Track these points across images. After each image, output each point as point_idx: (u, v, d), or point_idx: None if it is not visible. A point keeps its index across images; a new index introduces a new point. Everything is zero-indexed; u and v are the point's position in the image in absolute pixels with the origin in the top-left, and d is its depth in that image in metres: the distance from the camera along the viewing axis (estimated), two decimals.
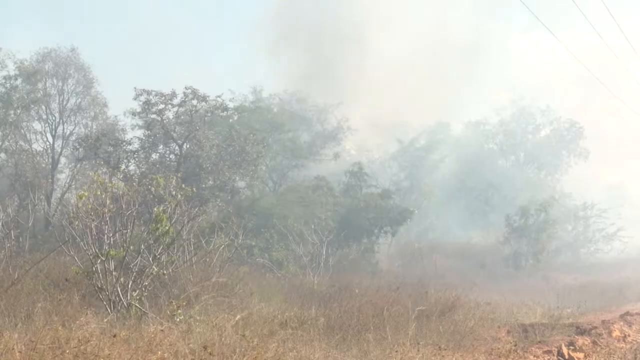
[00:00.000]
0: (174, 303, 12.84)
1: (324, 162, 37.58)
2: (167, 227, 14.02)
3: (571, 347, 13.85)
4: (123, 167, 26.20)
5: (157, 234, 13.96)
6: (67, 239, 13.99)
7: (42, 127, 28.28)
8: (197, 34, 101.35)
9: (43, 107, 28.01)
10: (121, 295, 12.97)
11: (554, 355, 13.34)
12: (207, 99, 27.73)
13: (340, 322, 13.53)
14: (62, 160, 29.47)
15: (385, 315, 14.10)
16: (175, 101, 27.25)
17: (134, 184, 15.70)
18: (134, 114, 27.02)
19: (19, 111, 27.42)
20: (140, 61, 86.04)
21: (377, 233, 30.49)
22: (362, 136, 47.64)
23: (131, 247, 13.78)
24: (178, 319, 12.41)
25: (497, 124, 54.15)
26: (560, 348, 13.61)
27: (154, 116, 27.16)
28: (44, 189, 26.73)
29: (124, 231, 13.58)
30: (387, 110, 52.59)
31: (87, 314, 11.58)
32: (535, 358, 13.08)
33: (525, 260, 33.95)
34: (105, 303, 12.82)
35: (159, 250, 13.92)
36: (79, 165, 28.15)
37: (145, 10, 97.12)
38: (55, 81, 28.24)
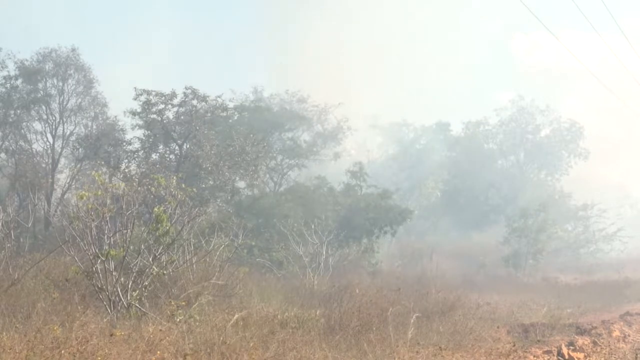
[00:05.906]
0: (173, 303, 12.84)
1: (324, 162, 37.58)
2: (167, 227, 14.03)
3: (571, 347, 13.87)
4: (123, 167, 26.19)
5: (157, 234, 13.98)
6: (67, 239, 13.99)
7: (42, 127, 28.15)
8: (197, 34, 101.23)
9: (43, 107, 27.90)
10: (121, 295, 12.97)
11: (554, 355, 13.35)
12: (207, 99, 27.72)
13: (340, 322, 13.53)
14: (62, 160, 29.33)
15: (385, 315, 14.10)
16: (175, 101, 27.26)
17: (134, 184, 15.69)
18: (134, 113, 26.98)
19: (19, 111, 27.36)
20: (140, 61, 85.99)
21: (377, 233, 30.45)
22: (362, 136, 47.70)
23: (131, 247, 13.79)
24: (178, 319, 12.41)
25: (497, 124, 54.18)
26: (560, 348, 13.63)
27: (154, 116, 27.14)
28: (44, 189, 26.68)
29: (124, 231, 13.58)
30: (387, 110, 52.73)
31: (87, 314, 11.58)
32: (535, 358, 13.08)
33: (525, 261, 33.97)
34: (105, 303, 12.82)
35: (159, 251, 13.93)
36: (79, 165, 28.08)
37: (142, 10, 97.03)
38: (55, 81, 28.10)
